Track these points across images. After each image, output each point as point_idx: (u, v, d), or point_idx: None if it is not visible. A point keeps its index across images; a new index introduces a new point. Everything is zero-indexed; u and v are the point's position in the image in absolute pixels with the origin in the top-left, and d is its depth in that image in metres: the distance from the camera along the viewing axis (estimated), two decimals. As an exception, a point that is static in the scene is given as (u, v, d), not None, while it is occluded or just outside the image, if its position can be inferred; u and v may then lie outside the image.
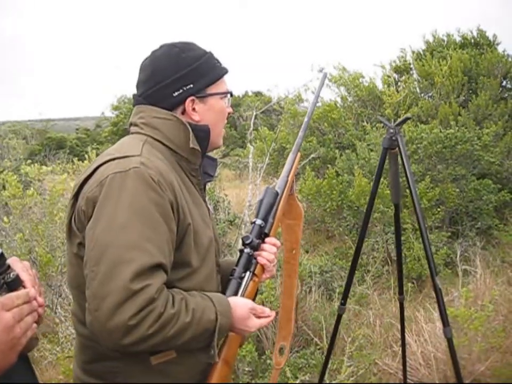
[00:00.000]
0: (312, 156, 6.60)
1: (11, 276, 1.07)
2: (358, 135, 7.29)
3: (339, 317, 2.81)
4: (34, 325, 1.06)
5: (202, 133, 1.55)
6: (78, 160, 6.66)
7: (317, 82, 8.64)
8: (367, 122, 7.31)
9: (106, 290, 1.23)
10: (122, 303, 1.22)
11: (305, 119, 1.96)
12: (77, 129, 29.82)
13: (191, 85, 1.53)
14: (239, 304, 1.50)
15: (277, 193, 1.71)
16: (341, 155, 6.74)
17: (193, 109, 1.55)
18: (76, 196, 1.42)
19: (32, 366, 1.25)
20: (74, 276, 1.45)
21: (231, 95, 1.66)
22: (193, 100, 1.54)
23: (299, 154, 1.87)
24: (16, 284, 1.07)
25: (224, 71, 1.63)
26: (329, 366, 3.05)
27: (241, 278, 1.57)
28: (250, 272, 1.58)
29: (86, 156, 5.84)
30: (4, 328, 0.97)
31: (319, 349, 3.72)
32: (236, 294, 1.55)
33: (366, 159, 6.10)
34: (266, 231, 1.64)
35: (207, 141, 1.58)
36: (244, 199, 5.08)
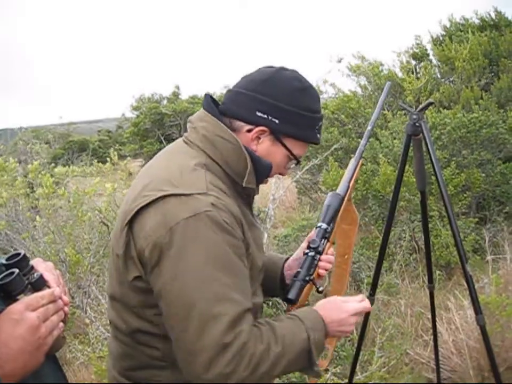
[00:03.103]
0: (334, 146, 6.56)
1: (35, 276, 1.07)
2: (380, 124, 7.22)
3: (368, 308, 2.78)
4: (61, 324, 1.06)
5: (263, 169, 1.48)
6: (100, 162, 6.68)
7: (335, 73, 8.60)
8: (388, 110, 7.24)
9: (200, 346, 1.23)
10: (216, 357, 1.22)
11: (368, 127, 1.97)
12: (98, 131, 30.08)
13: (277, 121, 1.44)
14: (328, 307, 1.49)
15: (342, 199, 1.71)
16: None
17: (258, 138, 1.47)
18: (130, 224, 1.35)
19: (61, 365, 1.25)
20: (121, 292, 1.42)
21: (297, 163, 1.58)
22: (264, 131, 1.46)
23: (361, 161, 1.87)
24: (40, 283, 1.07)
25: (314, 140, 1.53)
26: (360, 357, 3.03)
27: (306, 281, 1.57)
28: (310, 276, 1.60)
29: (108, 158, 5.88)
30: (29, 328, 0.97)
31: (349, 341, 3.70)
32: (299, 294, 1.56)
33: (390, 147, 6.03)
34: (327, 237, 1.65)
35: (266, 176, 1.52)
36: (267, 192, 5.05)
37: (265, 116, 1.44)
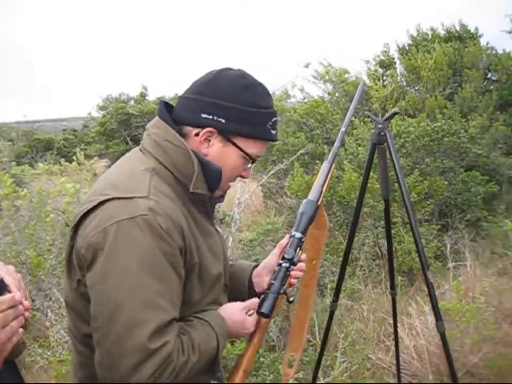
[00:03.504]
0: (300, 151, 6.59)
1: None
2: (346, 130, 7.29)
3: (331, 314, 2.80)
4: (21, 329, 1.04)
5: (212, 174, 1.45)
6: (65, 161, 6.58)
7: (302, 78, 8.67)
8: (355, 117, 7.32)
9: (123, 350, 1.22)
10: (140, 363, 1.21)
11: (342, 129, 1.96)
12: (64, 130, 29.59)
13: (223, 120, 1.41)
14: (231, 311, 1.50)
15: (317, 206, 1.67)
16: (329, 150, 6.73)
17: (208, 140, 1.44)
18: (75, 228, 1.35)
19: (20, 372, 1.22)
20: (71, 299, 1.41)
21: (253, 162, 1.53)
22: (212, 132, 1.43)
23: (334, 164, 1.84)
24: (0, 288, 1.05)
25: (268, 137, 1.49)
26: (322, 362, 3.05)
27: (279, 294, 1.53)
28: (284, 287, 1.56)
29: (74, 157, 5.79)
30: None
31: (312, 346, 3.72)
32: (273, 308, 1.51)
33: (355, 154, 6.10)
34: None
35: (217, 181, 1.47)
36: (233, 196, 5.04)
37: (211, 117, 1.41)
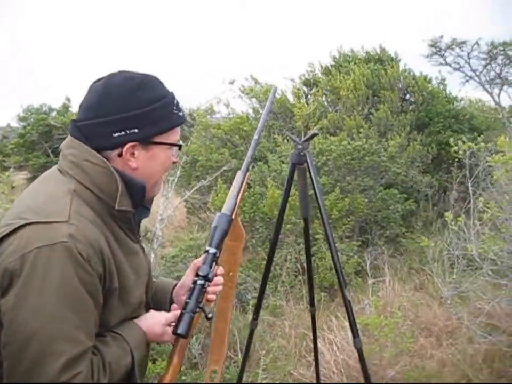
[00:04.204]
0: (224, 168, 6.60)
1: None
2: (270, 147, 7.36)
3: (251, 332, 2.80)
4: None
5: (136, 189, 1.42)
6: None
7: (228, 94, 8.71)
8: (279, 135, 7.41)
9: (34, 381, 1.17)
10: None
11: (255, 137, 1.92)
12: (-20, 141, 28.44)
13: (136, 130, 1.38)
14: (152, 322, 1.48)
15: (231, 220, 1.63)
16: (253, 167, 6.79)
17: (132, 154, 1.40)
18: None
19: None
20: None
21: (180, 147, 1.53)
22: (134, 146, 1.39)
23: (248, 174, 1.82)
24: None
25: (179, 121, 1.48)
26: (244, 379, 3.04)
27: (195, 312, 1.47)
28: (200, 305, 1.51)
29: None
30: None
31: (234, 362, 3.71)
32: (190, 327, 1.45)
33: (278, 171, 6.17)
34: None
35: (141, 197, 1.45)
36: (156, 211, 4.98)
37: (123, 133, 1.37)
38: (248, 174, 1.82)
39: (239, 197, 1.73)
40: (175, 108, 1.47)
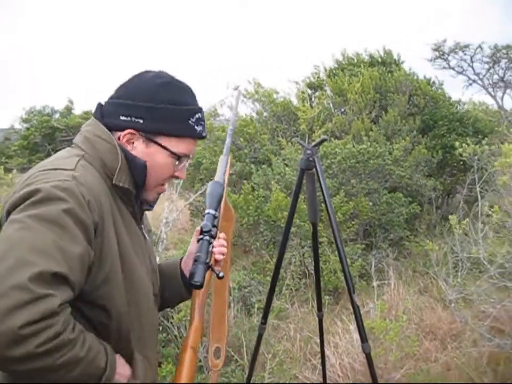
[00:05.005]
0: (228, 171, 6.60)
1: None
2: (274, 150, 7.37)
3: (260, 336, 2.78)
4: None
5: (137, 167, 1.44)
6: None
7: (232, 98, 8.74)
8: (283, 137, 7.42)
9: (2, 290, 1.09)
10: (17, 307, 1.08)
11: (230, 127, 1.92)
12: (-17, 142, 28.49)
13: (141, 120, 1.42)
14: (122, 364, 1.40)
15: (223, 186, 1.69)
16: (257, 170, 6.80)
17: (131, 143, 1.44)
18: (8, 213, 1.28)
19: None
20: None
21: (178, 159, 1.50)
22: (133, 134, 1.43)
23: (230, 157, 1.84)
24: None
25: (190, 133, 1.48)
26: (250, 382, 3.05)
27: (207, 264, 1.48)
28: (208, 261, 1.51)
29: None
30: None
31: (239, 366, 3.71)
32: (204, 278, 1.46)
33: (282, 174, 6.18)
34: (215, 222, 1.59)
35: (143, 177, 1.46)
36: (160, 214, 5.00)
37: (129, 119, 1.42)
38: (230, 157, 1.85)
39: (226, 175, 1.77)
40: (193, 120, 1.47)
